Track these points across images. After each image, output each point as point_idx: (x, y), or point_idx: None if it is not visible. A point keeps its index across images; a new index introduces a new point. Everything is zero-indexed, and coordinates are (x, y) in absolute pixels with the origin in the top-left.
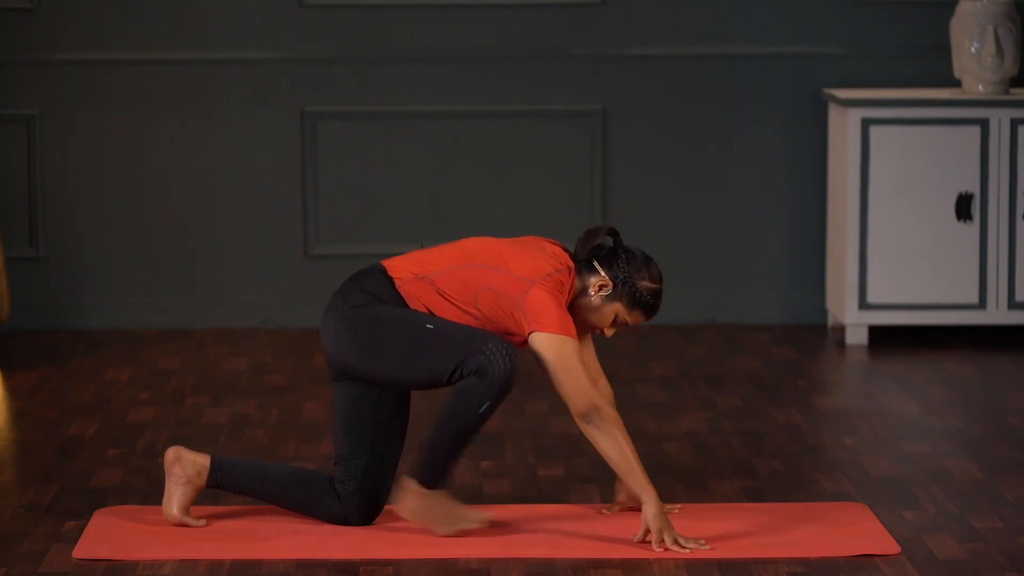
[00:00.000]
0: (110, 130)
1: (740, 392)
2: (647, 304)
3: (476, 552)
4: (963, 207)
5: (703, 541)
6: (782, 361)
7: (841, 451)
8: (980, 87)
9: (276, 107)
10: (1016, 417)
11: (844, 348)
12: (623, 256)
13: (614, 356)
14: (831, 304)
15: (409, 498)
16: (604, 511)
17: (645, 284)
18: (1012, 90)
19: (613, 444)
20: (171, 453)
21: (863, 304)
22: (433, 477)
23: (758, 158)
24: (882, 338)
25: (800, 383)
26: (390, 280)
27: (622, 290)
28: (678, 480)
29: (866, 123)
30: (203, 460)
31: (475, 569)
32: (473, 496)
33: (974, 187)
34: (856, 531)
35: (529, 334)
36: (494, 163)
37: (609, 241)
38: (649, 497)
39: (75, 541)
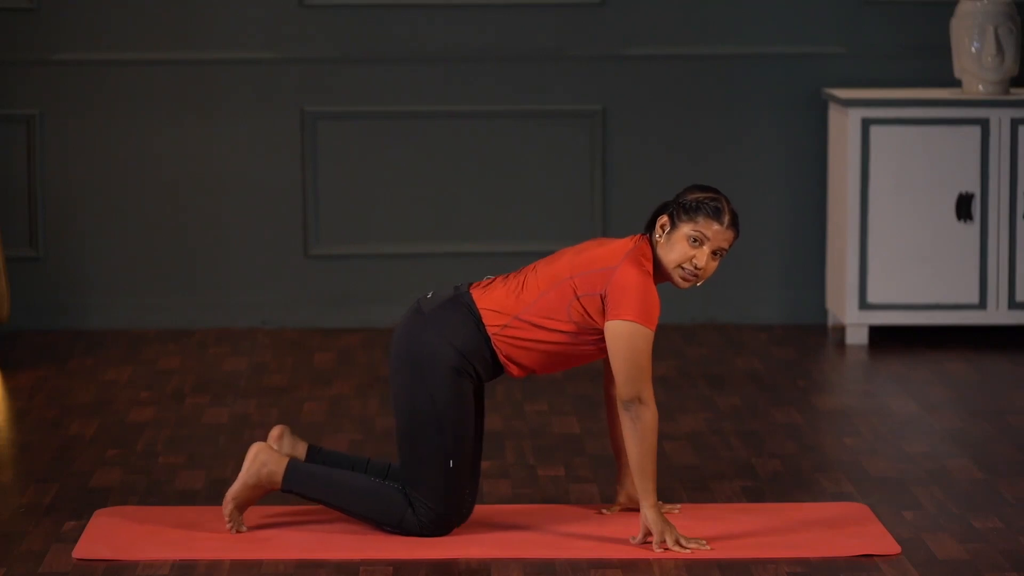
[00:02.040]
0: (110, 130)
1: (740, 392)
2: (702, 205)
3: (476, 552)
4: (963, 207)
5: (704, 541)
6: (782, 361)
7: (841, 451)
8: (980, 87)
9: (276, 107)
10: (1016, 417)
11: (844, 348)
12: (674, 198)
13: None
14: (831, 304)
15: (270, 458)
16: (604, 511)
17: (692, 195)
18: (1012, 90)
19: (638, 441)
20: (276, 430)
21: (863, 304)
22: (294, 488)
23: (758, 158)
24: (882, 338)
25: (800, 383)
26: (484, 334)
27: (676, 211)
28: (678, 480)
29: (866, 123)
30: (301, 448)
31: (475, 569)
32: None
33: (974, 187)
34: (856, 531)
35: (606, 323)
36: (494, 163)
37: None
38: (649, 501)
39: (75, 541)
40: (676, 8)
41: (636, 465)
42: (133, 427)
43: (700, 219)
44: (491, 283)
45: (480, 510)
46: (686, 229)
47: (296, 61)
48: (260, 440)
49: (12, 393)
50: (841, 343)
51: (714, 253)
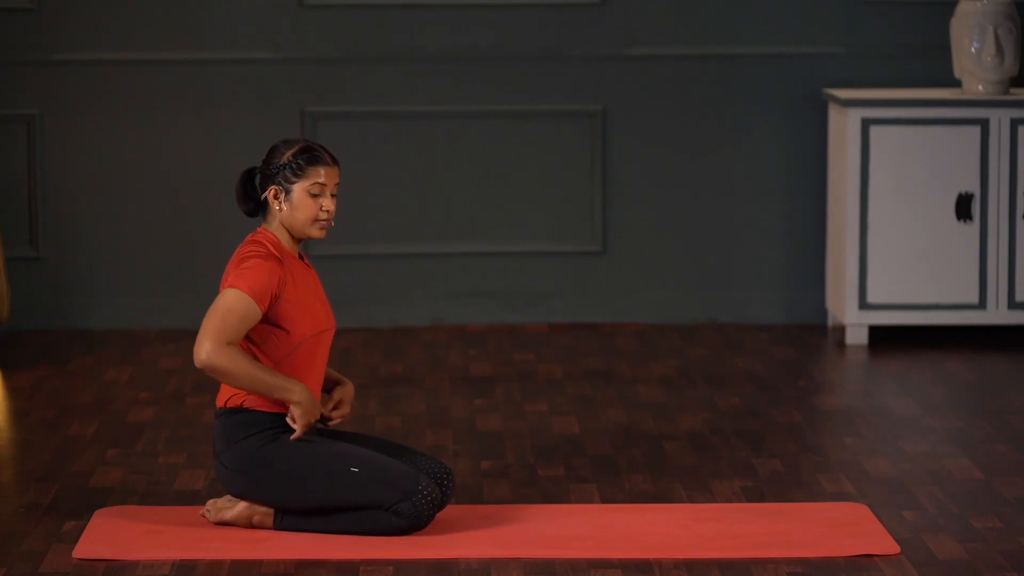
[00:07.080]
0: (110, 130)
1: (740, 392)
2: (303, 159)
3: (476, 552)
4: (963, 207)
5: (337, 419)
6: (782, 361)
7: (841, 451)
8: (980, 87)
9: (276, 107)
10: (1016, 417)
11: (844, 348)
12: (261, 166)
13: (614, 356)
14: (831, 304)
15: (259, 510)
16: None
17: (286, 155)
18: (1012, 90)
19: (235, 380)
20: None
21: (863, 304)
22: (287, 528)
23: (758, 158)
24: (882, 338)
25: (800, 383)
26: (238, 409)
27: (282, 177)
28: (678, 480)
29: (866, 123)
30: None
31: (475, 569)
32: (473, 496)
33: (974, 187)
34: (856, 531)
35: None
36: (494, 163)
37: (253, 178)
38: (293, 397)
39: (75, 541)
40: (676, 8)
41: (257, 384)
42: (133, 427)
43: (310, 171)
44: None
45: (480, 510)
46: (302, 187)
47: (296, 61)
48: None
49: (12, 393)
50: (841, 343)
51: (333, 195)
